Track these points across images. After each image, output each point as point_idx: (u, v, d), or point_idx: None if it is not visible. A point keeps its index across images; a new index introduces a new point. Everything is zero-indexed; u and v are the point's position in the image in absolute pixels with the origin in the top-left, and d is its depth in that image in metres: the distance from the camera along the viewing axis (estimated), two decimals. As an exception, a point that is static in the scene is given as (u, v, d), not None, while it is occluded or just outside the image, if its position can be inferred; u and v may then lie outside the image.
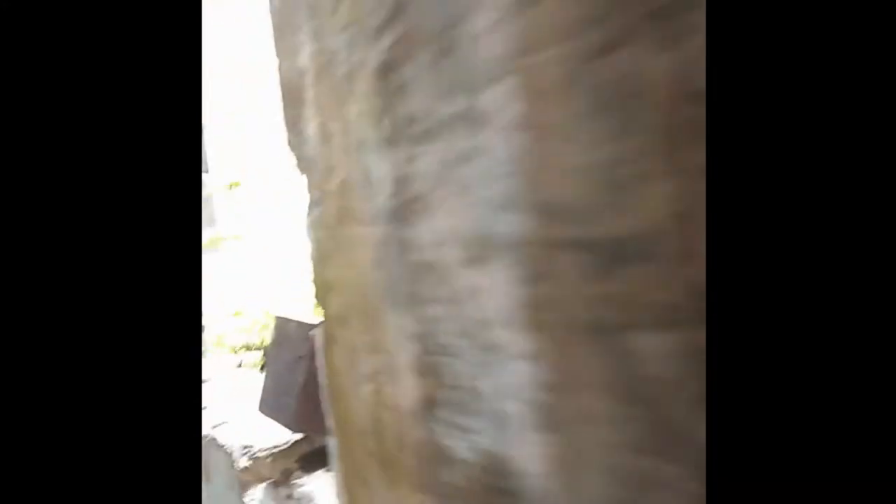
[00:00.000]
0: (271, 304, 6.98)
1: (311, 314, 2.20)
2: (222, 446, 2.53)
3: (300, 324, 2.06)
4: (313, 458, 2.23)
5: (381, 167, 1.32)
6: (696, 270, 0.52)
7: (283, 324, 2.15)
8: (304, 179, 1.69)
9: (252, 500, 2.22)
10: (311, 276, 1.71)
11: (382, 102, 1.10)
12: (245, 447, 2.40)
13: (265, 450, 2.33)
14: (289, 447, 2.32)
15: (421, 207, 1.04)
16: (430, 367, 1.04)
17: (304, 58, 1.57)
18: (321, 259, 1.63)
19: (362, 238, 1.44)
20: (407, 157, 1.07)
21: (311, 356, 1.97)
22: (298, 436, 2.38)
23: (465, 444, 0.94)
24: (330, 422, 1.73)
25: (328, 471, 2.13)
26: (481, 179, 0.78)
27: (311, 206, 1.66)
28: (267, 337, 6.81)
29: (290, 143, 1.71)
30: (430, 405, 1.07)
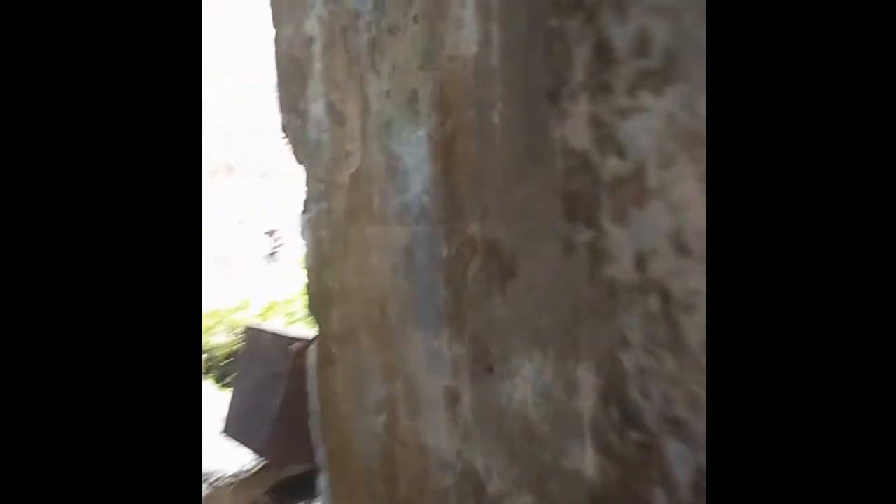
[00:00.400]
0: (219, 304, 6.56)
1: (285, 325, 1.92)
2: (175, 470, 2.19)
3: (277, 336, 1.79)
4: (287, 490, 1.94)
5: (420, 151, 1.07)
6: None
7: (255, 335, 1.86)
8: (302, 170, 1.42)
9: (212, 535, 1.92)
10: (306, 284, 1.44)
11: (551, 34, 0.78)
12: (203, 472, 2.10)
13: (228, 476, 2.03)
14: (254, 474, 2.03)
15: (616, 198, 0.71)
16: (626, 444, 0.73)
17: (312, 23, 1.32)
18: (321, 264, 1.37)
19: (381, 240, 1.19)
20: (592, 117, 0.73)
21: (292, 374, 1.70)
22: (264, 461, 2.09)
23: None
24: (321, 454, 1.46)
25: (307, 506, 1.86)
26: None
27: (310, 201, 1.39)
28: (213, 340, 6.40)
29: (286, 126, 1.44)
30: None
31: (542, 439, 0.93)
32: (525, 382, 0.95)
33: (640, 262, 0.69)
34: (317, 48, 1.32)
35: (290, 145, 1.45)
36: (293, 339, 1.73)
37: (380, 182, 1.18)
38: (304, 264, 1.44)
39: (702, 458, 0.58)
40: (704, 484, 0.58)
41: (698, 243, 0.58)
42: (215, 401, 2.78)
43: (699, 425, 0.59)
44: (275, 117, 1.48)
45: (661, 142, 0.61)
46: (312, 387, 1.47)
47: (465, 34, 0.98)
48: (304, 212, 1.43)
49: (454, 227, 1.04)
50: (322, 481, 1.47)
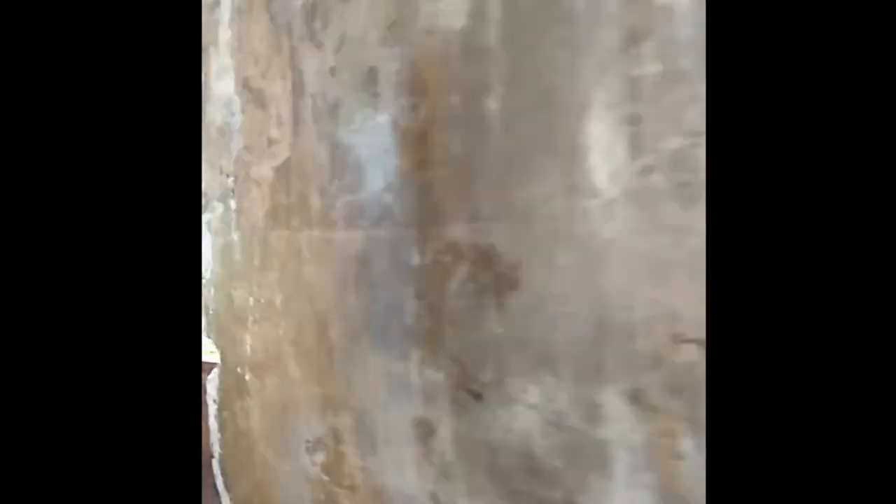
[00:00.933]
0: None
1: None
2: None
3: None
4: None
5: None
6: None
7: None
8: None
9: None
10: (205, 299, 1.20)
11: None
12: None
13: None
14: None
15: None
16: None
17: (218, -18, 1.09)
18: (229, 276, 1.15)
19: (321, 246, 1.01)
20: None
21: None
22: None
23: None
24: (228, 502, 1.23)
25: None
26: None
27: (210, 199, 1.16)
28: None
29: None
30: None
31: (551, 475, 0.82)
32: (529, 410, 0.83)
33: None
34: (224, 12, 1.09)
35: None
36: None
37: (320, 177, 0.99)
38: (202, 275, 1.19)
39: None
40: None
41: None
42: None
43: None
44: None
45: None
46: (214, 423, 1.23)
47: (449, 4, 0.84)
48: (204, 211, 1.18)
49: (429, 230, 0.90)
50: (227, 536, 1.23)
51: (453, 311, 0.89)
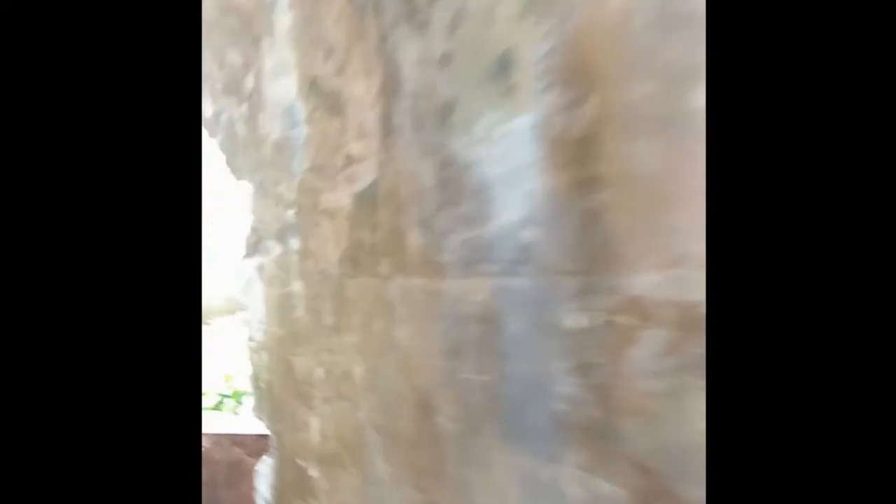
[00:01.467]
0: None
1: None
2: None
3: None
4: None
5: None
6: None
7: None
8: (245, 187, 0.92)
9: None
10: (253, 368, 0.94)
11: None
12: None
13: None
14: None
15: None
16: None
17: (276, -46, 0.84)
18: (287, 337, 0.89)
19: (424, 299, 0.74)
20: None
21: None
22: None
23: None
24: None
25: None
26: None
27: (263, 238, 0.90)
28: None
29: (215, 117, 0.94)
30: None
31: None
32: (771, 549, 0.56)
33: None
34: (283, -7, 0.84)
35: (222, 148, 0.94)
36: (229, 440, 1.12)
37: (423, 206, 0.74)
38: (248, 339, 0.93)
39: None
40: None
41: None
42: None
43: None
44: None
45: None
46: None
47: (633, -46, 0.59)
48: (249, 253, 0.92)
49: (596, 280, 0.64)
50: None
51: (636, 396, 0.63)
